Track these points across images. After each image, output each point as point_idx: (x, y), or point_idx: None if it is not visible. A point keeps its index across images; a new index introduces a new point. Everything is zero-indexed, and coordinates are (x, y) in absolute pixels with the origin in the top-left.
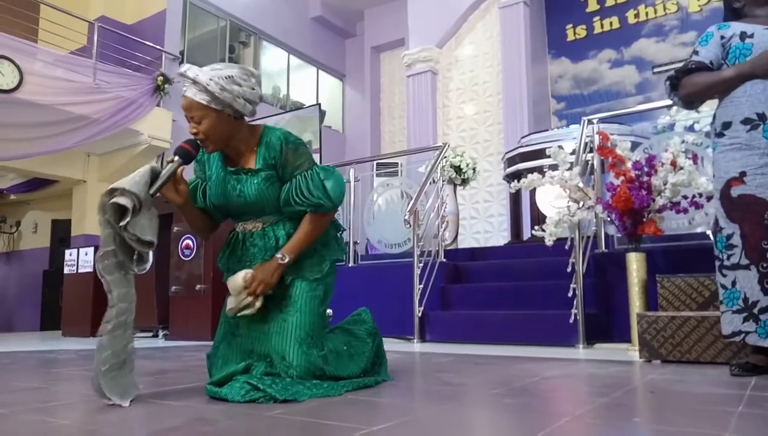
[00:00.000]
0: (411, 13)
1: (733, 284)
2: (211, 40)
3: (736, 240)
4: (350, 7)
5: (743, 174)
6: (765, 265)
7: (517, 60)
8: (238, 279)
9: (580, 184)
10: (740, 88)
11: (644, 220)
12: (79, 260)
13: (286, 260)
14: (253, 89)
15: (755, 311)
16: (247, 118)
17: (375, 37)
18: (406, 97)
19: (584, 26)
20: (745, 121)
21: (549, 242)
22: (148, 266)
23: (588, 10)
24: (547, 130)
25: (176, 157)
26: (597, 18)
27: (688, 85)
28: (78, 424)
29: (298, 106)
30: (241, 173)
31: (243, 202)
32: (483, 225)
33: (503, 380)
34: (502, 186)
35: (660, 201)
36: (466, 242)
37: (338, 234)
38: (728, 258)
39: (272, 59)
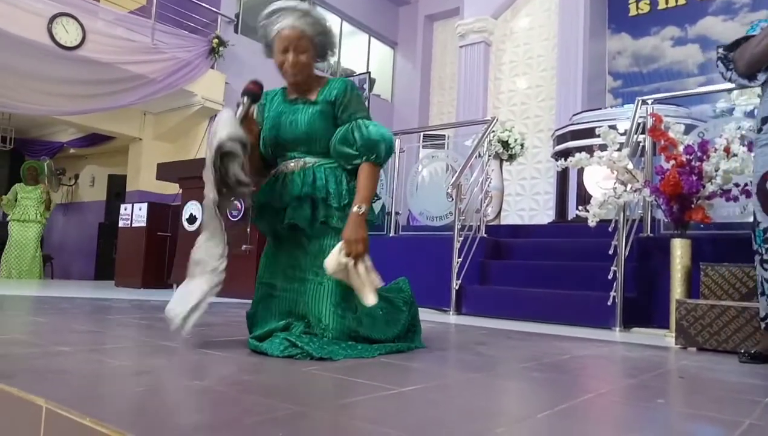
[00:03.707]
0: None
1: None
2: (265, 3)
3: None
4: None
5: None
6: None
7: (574, 34)
8: (334, 255)
9: (629, 166)
10: None
11: (692, 206)
12: (134, 215)
13: (363, 209)
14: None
15: None
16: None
17: (429, 6)
18: (457, 68)
19: (648, 1)
20: None
21: (592, 222)
22: (246, 194)
23: None
24: (600, 108)
25: (245, 98)
26: None
27: (745, 54)
28: (130, 365)
29: (349, 74)
30: (299, 103)
31: (293, 132)
32: (528, 202)
33: (534, 355)
34: (550, 163)
35: (710, 187)
36: (510, 218)
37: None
38: (766, 252)
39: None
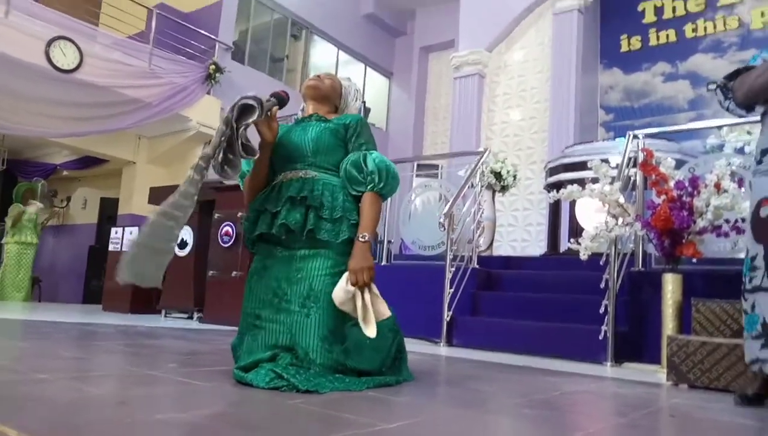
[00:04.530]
0: (462, 15)
1: (753, 308)
2: (263, 32)
3: (759, 262)
4: (402, 6)
5: None
6: None
7: (567, 68)
8: (341, 286)
9: (621, 200)
10: None
11: (683, 241)
12: (124, 239)
13: (367, 238)
14: (357, 108)
15: None
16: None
17: (425, 37)
18: (451, 99)
19: (639, 37)
20: None
21: (584, 255)
22: (230, 175)
23: (644, 21)
24: (592, 141)
25: (272, 99)
26: (653, 30)
27: (744, 85)
28: (111, 395)
29: None
30: (312, 120)
31: (301, 141)
32: (520, 233)
33: (525, 390)
34: (542, 195)
35: (701, 223)
36: (502, 248)
37: None
38: (750, 281)
39: (321, 53)
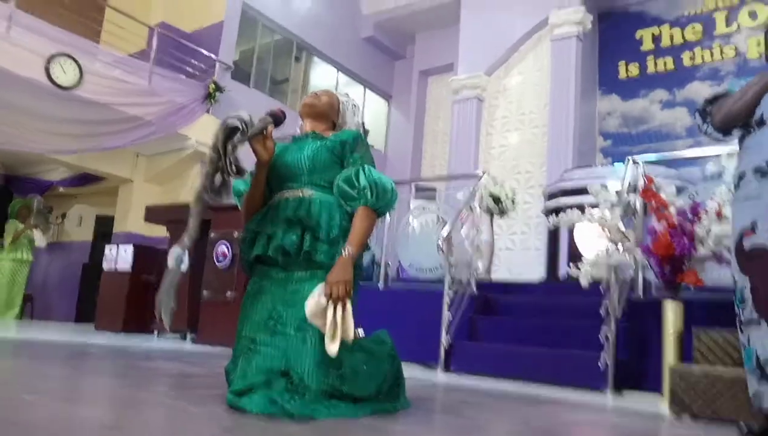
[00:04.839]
0: (462, 40)
1: (748, 342)
2: (263, 52)
3: (747, 294)
4: (402, 30)
5: (754, 224)
6: None
7: (565, 94)
8: (314, 298)
9: (621, 226)
10: (756, 136)
11: (684, 268)
12: (118, 257)
13: (350, 252)
14: (356, 123)
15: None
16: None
17: (424, 61)
18: (450, 121)
19: (637, 64)
20: (756, 170)
21: (584, 282)
22: (225, 198)
23: (642, 48)
24: (591, 166)
25: (268, 117)
26: (651, 57)
27: (722, 108)
28: (99, 418)
29: None
30: (309, 137)
31: (297, 159)
32: (518, 257)
33: (523, 419)
34: (540, 219)
35: (702, 250)
36: (500, 272)
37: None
38: (742, 313)
39: (321, 75)
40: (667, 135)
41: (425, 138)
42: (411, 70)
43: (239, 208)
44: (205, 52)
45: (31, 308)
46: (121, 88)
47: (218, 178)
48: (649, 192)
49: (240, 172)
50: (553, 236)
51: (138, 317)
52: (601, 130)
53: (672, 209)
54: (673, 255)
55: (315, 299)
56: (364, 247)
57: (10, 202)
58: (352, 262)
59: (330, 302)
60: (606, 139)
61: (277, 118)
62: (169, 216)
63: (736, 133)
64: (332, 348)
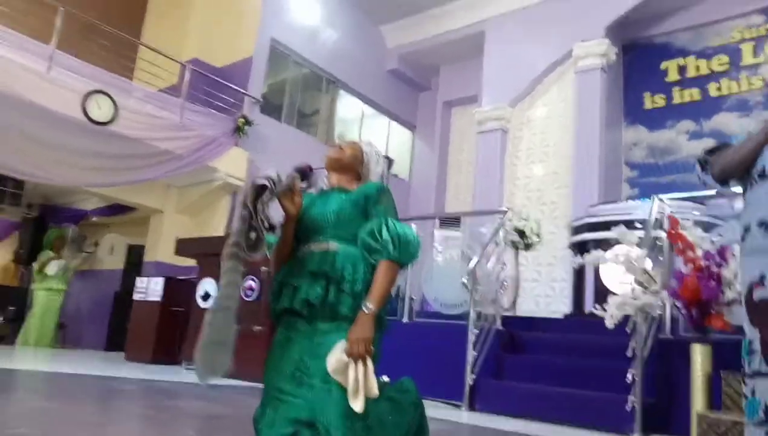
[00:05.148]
0: (486, 72)
1: (753, 393)
2: (291, 85)
3: (756, 346)
4: (426, 62)
5: (762, 277)
6: None
7: (590, 125)
8: (335, 355)
9: (647, 267)
10: (758, 188)
11: (712, 311)
12: (149, 288)
13: (371, 309)
14: (380, 173)
15: None
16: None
17: (448, 92)
18: (474, 152)
19: (663, 96)
20: (760, 224)
21: (610, 324)
22: (259, 254)
23: (667, 79)
24: (616, 201)
25: (295, 173)
26: (677, 88)
27: (720, 159)
28: None
29: None
30: (334, 191)
31: (323, 213)
32: (544, 289)
33: None
34: (566, 251)
35: (730, 294)
36: (525, 304)
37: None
38: (749, 365)
39: (347, 106)
40: (694, 166)
41: (449, 168)
42: (435, 102)
43: (269, 258)
44: (234, 87)
45: (63, 335)
46: (154, 124)
47: (252, 234)
48: (675, 234)
49: (272, 228)
50: (579, 270)
51: (167, 347)
52: (628, 160)
53: (699, 251)
54: (700, 299)
55: (336, 356)
56: (386, 300)
57: (44, 233)
58: (373, 318)
59: (350, 359)
60: (632, 170)
61: (304, 174)
62: (199, 249)
63: (734, 184)
64: (357, 405)
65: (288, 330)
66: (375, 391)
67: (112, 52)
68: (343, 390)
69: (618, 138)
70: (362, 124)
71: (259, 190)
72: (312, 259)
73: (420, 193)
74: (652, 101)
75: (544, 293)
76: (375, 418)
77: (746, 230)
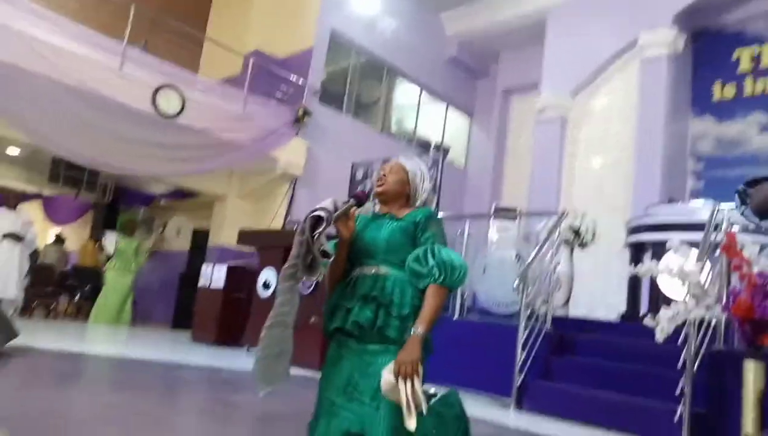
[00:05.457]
0: (547, 60)
1: None
2: (350, 74)
3: None
4: (486, 49)
5: None
6: None
7: (654, 115)
8: (385, 377)
9: (701, 280)
10: None
11: (767, 331)
12: (213, 276)
13: (419, 331)
14: (427, 190)
15: None
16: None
17: (507, 80)
18: (532, 141)
19: (734, 85)
20: None
21: (660, 337)
22: (316, 277)
23: (740, 69)
24: (678, 201)
25: (351, 200)
26: (749, 78)
27: (759, 195)
28: None
29: (425, 142)
30: (386, 218)
31: (374, 239)
32: (601, 283)
33: None
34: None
35: None
36: (581, 297)
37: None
38: None
39: (404, 93)
40: (765, 160)
41: (506, 157)
42: (494, 89)
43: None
44: (294, 78)
45: (134, 311)
46: (218, 115)
47: (309, 258)
48: (731, 249)
49: (327, 256)
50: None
51: (230, 331)
52: (693, 152)
53: (755, 268)
54: (753, 318)
55: (385, 378)
56: (434, 323)
57: (116, 215)
58: (421, 340)
59: (401, 379)
60: (698, 162)
61: (360, 201)
62: (260, 241)
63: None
64: (410, 423)
65: (340, 348)
66: (423, 408)
67: (177, 45)
68: (391, 407)
69: (684, 129)
70: (419, 111)
71: (315, 222)
72: (363, 283)
73: (476, 182)
74: (722, 91)
75: (600, 287)
76: (420, 432)
77: None
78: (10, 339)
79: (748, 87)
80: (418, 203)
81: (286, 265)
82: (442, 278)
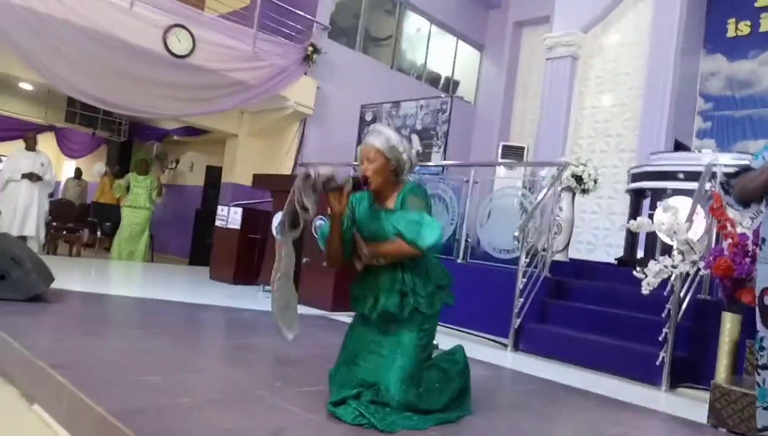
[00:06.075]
0: None
1: (764, 382)
2: (358, 7)
3: (766, 343)
4: None
5: None
6: None
7: (665, 53)
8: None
9: (689, 238)
10: None
11: (746, 285)
12: (229, 217)
13: (365, 251)
14: (412, 154)
15: None
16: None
17: (519, 12)
18: (542, 80)
19: (749, 22)
20: None
21: (645, 291)
22: (297, 233)
23: (757, 4)
24: (681, 150)
25: (351, 178)
26: (766, 15)
27: (739, 185)
28: (259, 429)
29: (434, 77)
30: (381, 211)
31: (384, 227)
32: (603, 222)
33: (575, 427)
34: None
35: None
36: (583, 235)
37: (448, 283)
38: (760, 359)
39: (413, 26)
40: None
41: (516, 91)
42: (505, 21)
43: (320, 246)
44: (302, 13)
45: (152, 244)
46: (228, 54)
47: (296, 216)
48: (717, 211)
49: (305, 208)
50: (635, 211)
51: (247, 269)
52: (703, 91)
53: (739, 228)
54: (732, 276)
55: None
56: (375, 256)
57: (130, 151)
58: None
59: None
60: (707, 102)
61: (357, 185)
62: (273, 185)
63: (755, 206)
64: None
65: (367, 320)
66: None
67: None
68: (405, 362)
69: (695, 68)
70: (429, 44)
71: (305, 178)
72: (383, 278)
73: (485, 116)
74: (736, 28)
75: (602, 226)
76: (425, 387)
77: (763, 241)
78: (49, 284)
79: (764, 23)
80: (406, 170)
81: (278, 220)
82: (411, 236)
